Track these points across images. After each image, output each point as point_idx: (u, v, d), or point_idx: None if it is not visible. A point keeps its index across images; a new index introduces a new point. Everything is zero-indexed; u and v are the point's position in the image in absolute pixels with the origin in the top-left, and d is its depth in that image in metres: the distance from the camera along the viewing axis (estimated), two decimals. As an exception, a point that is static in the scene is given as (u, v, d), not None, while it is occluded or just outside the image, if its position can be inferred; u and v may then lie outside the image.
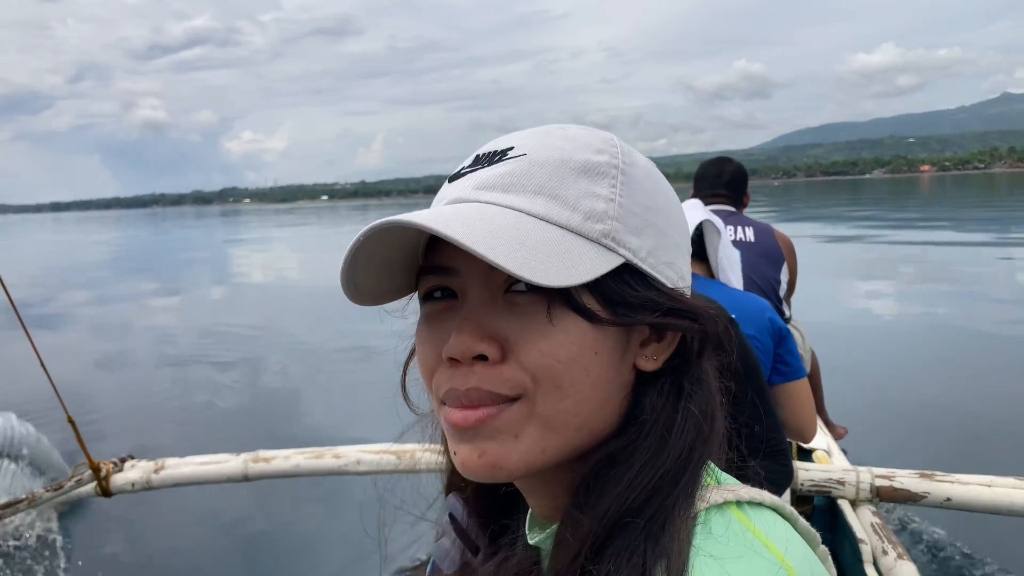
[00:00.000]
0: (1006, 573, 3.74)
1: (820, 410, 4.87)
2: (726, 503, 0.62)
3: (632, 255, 0.64)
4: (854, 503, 2.70)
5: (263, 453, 3.25)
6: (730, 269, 2.47)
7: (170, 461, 3.29)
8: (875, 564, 2.42)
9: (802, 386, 2.30)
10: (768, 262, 3.98)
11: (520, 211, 0.63)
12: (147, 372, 9.70)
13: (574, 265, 0.60)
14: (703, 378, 0.68)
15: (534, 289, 0.61)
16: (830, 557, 0.70)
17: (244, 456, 3.24)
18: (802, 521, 0.66)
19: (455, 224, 0.59)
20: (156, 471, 3.24)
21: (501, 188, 0.65)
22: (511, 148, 0.68)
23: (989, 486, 2.58)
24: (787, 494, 2.23)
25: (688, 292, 0.70)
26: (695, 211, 2.42)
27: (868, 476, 2.66)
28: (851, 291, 13.08)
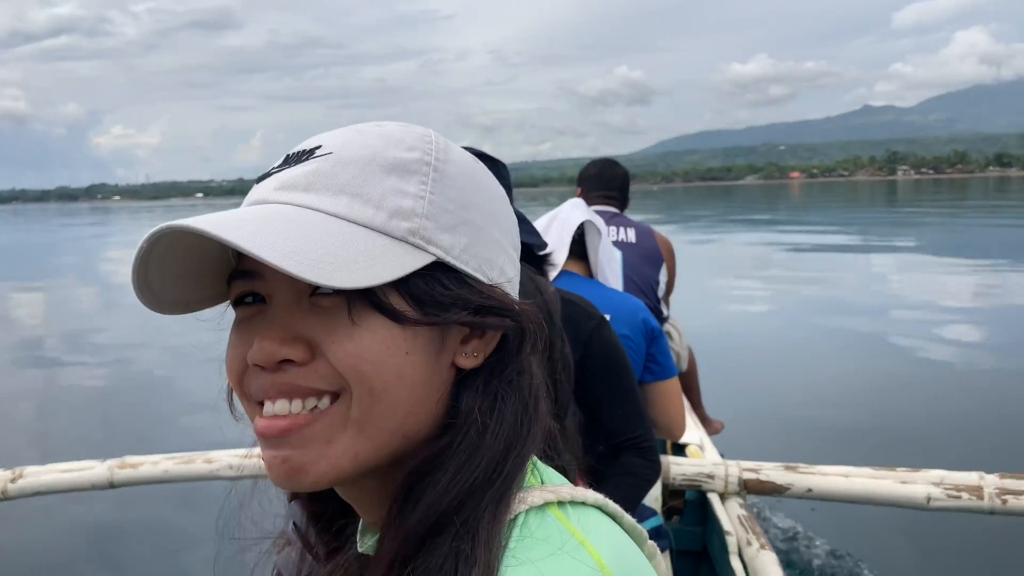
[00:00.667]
0: (861, 560, 3.94)
1: (697, 406, 5.02)
2: (547, 504, 0.62)
3: (444, 252, 0.63)
4: (723, 496, 2.79)
5: (130, 459, 3.12)
6: (609, 269, 2.51)
7: (29, 469, 3.11)
8: (740, 555, 2.50)
9: (672, 385, 2.36)
10: (648, 263, 4.08)
11: (320, 211, 0.62)
12: (2, 377, 9.12)
13: (373, 265, 0.59)
14: (523, 375, 0.67)
15: (339, 291, 0.60)
16: (659, 553, 0.70)
17: (110, 462, 3.10)
18: (628, 518, 0.67)
19: (238, 227, 0.57)
20: (13, 480, 3.06)
21: (303, 188, 0.63)
22: (319, 147, 0.66)
23: (847, 477, 2.72)
24: (658, 488, 2.28)
25: (512, 288, 0.70)
26: (577, 211, 2.44)
27: (736, 469, 2.76)
28: (727, 290, 13.59)
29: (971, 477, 2.80)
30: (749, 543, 2.50)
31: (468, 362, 0.66)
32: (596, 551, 0.58)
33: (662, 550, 2.20)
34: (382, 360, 0.61)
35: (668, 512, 3.00)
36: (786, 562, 3.79)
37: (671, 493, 2.92)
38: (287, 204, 0.63)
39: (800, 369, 7.85)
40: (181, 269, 0.66)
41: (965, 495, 2.73)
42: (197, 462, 3.08)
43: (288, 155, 0.68)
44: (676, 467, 2.76)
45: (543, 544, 0.58)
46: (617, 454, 1.87)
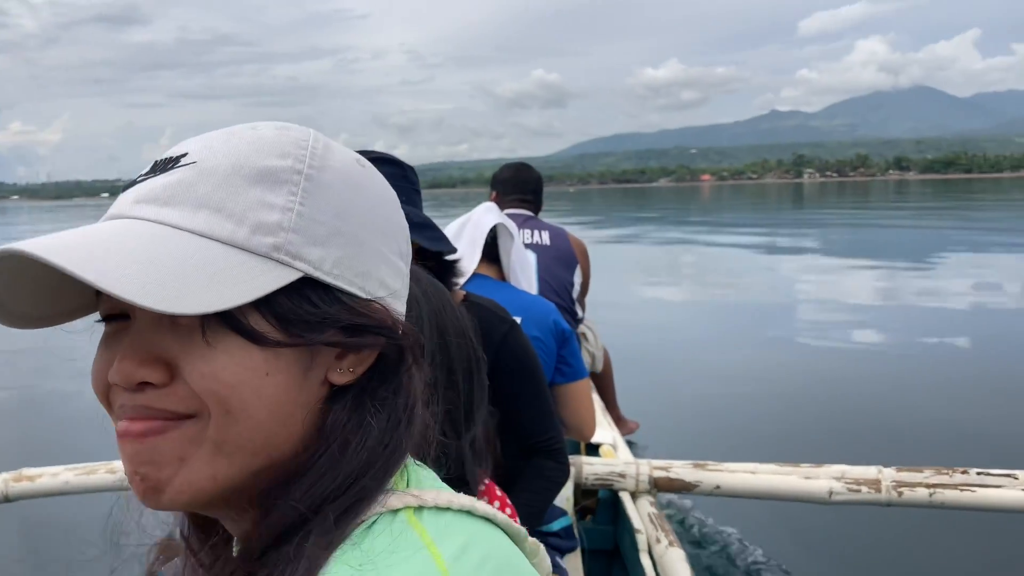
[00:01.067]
0: (767, 554, 4.05)
1: (612, 406, 5.10)
2: (405, 507, 0.61)
3: (312, 268, 0.61)
4: (635, 494, 2.84)
5: (27, 471, 3.00)
6: (521, 272, 2.53)
7: (-89, 485, 2.95)
8: (650, 552, 2.55)
9: (583, 386, 2.39)
10: (562, 265, 4.12)
11: (176, 227, 0.59)
12: None
13: (226, 286, 0.57)
14: (399, 391, 0.66)
15: None
16: (542, 550, 0.71)
17: (4, 475, 2.96)
18: (502, 518, 0.66)
19: (73, 249, 0.55)
20: None
21: (161, 201, 0.61)
22: (184, 154, 0.63)
23: (753, 473, 2.81)
24: (570, 488, 2.30)
25: (397, 300, 0.68)
26: (489, 215, 2.45)
27: (647, 468, 2.82)
28: (643, 291, 13.83)
29: (870, 471, 2.92)
30: (658, 540, 2.55)
31: (342, 378, 0.64)
32: (440, 555, 0.57)
33: (571, 550, 2.22)
34: (240, 382, 0.58)
35: (581, 511, 3.04)
36: (695, 558, 3.88)
37: (584, 493, 2.95)
38: (142, 220, 0.60)
39: (712, 369, 8.02)
40: (34, 286, 0.63)
41: (864, 489, 2.84)
42: (100, 472, 2.98)
43: (156, 162, 0.65)
44: (589, 467, 2.80)
45: (383, 544, 0.57)
46: (528, 456, 1.88)
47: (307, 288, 0.61)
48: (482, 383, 1.36)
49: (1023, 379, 7.18)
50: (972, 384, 7.07)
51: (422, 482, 0.67)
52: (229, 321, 0.58)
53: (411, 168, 1.87)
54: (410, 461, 0.68)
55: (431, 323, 1.27)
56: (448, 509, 0.63)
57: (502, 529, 0.66)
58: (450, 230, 2.35)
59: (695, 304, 12.67)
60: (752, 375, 7.65)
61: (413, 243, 1.73)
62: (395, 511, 0.61)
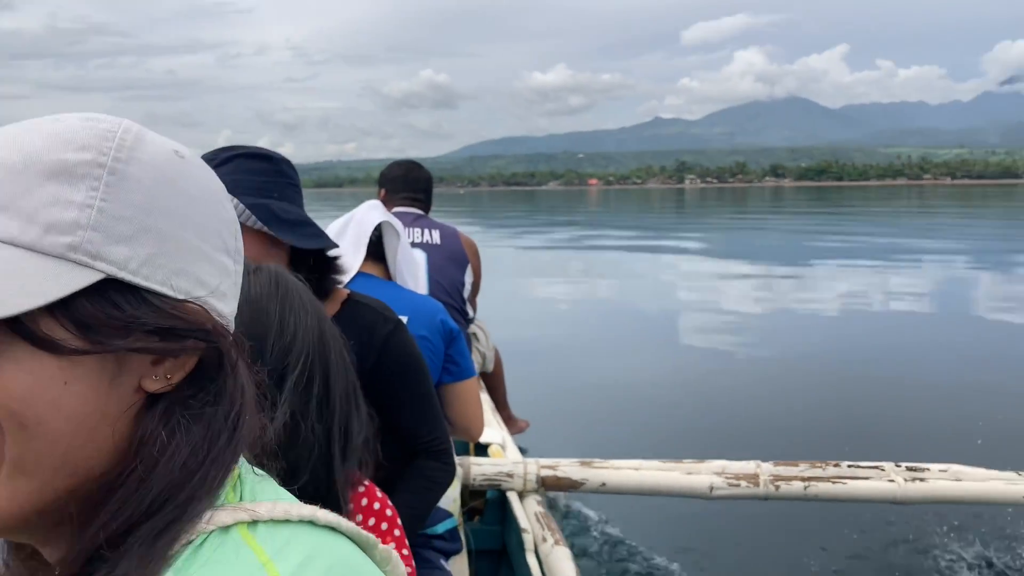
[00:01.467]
0: (651, 548, 4.14)
1: (502, 406, 5.10)
2: (237, 523, 0.57)
3: (116, 268, 0.56)
4: (522, 494, 2.84)
5: None
6: (407, 271, 2.48)
7: None
8: (536, 551, 2.56)
9: (471, 386, 2.36)
10: (453, 264, 4.10)
11: None
12: None
13: (11, 292, 0.52)
14: (222, 396, 0.62)
15: None
16: (395, 555, 0.68)
17: None
18: (348, 526, 0.63)
19: None
20: None
21: None
22: None
23: (637, 470, 2.85)
24: (457, 489, 2.28)
25: (220, 299, 0.63)
26: (374, 212, 2.39)
27: (535, 467, 2.82)
28: (535, 291, 13.95)
29: (749, 466, 3.01)
30: (544, 539, 2.56)
31: (156, 385, 0.59)
32: (278, 572, 0.53)
33: (456, 552, 2.20)
34: (33, 394, 0.53)
35: (469, 512, 3.01)
36: (582, 554, 3.92)
37: (472, 493, 2.93)
38: None
39: (601, 368, 8.15)
40: None
41: (744, 483, 2.93)
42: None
43: None
44: (476, 467, 2.78)
45: (214, 566, 0.54)
46: (412, 458, 1.84)
47: (111, 290, 0.56)
48: (352, 392, 1.32)
49: (887, 377, 7.60)
50: (842, 381, 7.44)
51: (258, 493, 0.62)
52: (18, 329, 0.53)
53: (286, 162, 1.80)
54: (246, 470, 0.64)
55: (307, 336, 1.24)
56: (287, 521, 0.59)
57: (349, 538, 0.63)
58: (332, 228, 2.28)
59: (585, 304, 12.87)
60: (640, 375, 7.82)
61: (284, 242, 1.68)
62: (226, 528, 0.56)
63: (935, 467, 3.30)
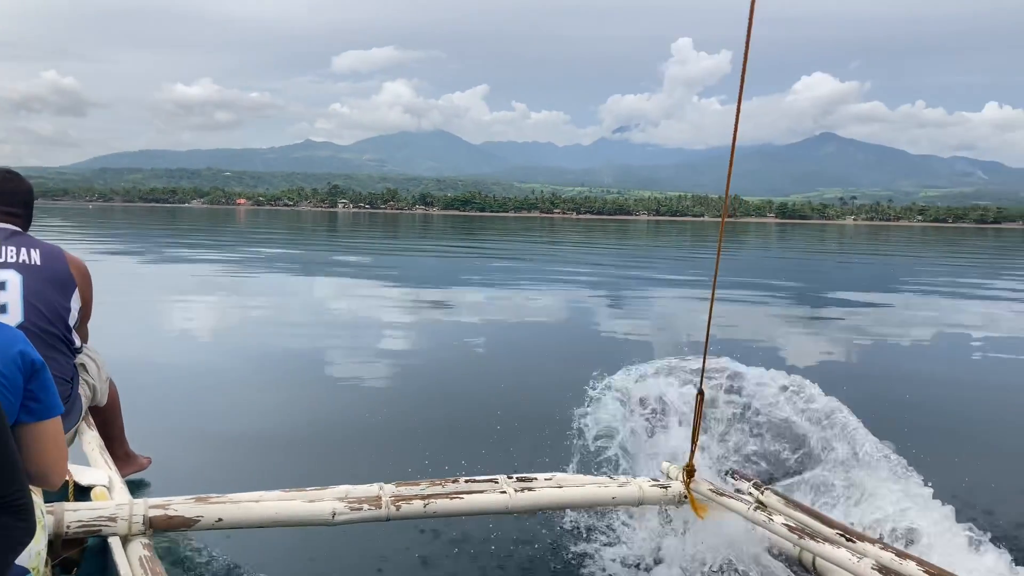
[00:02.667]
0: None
1: (119, 442, 4.72)
2: None
3: None
4: (127, 538, 2.62)
5: None
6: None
7: None
8: None
9: (53, 425, 2.12)
10: (54, 287, 3.72)
11: None
12: None
13: None
14: None
15: None
16: None
17: None
18: None
19: None
20: None
21: None
22: None
23: (258, 502, 2.77)
24: (42, 541, 2.04)
25: None
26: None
27: (142, 508, 2.63)
28: (162, 315, 13.02)
29: (372, 489, 3.07)
30: (149, 586, 2.38)
31: None
32: None
33: None
34: None
35: (64, 564, 2.71)
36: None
37: (66, 543, 2.64)
38: None
39: (229, 397, 7.82)
40: None
41: (366, 506, 2.98)
42: None
43: None
44: (71, 514, 2.51)
45: None
46: None
47: None
48: None
49: (501, 390, 8.18)
50: (466, 398, 7.88)
51: None
52: None
53: None
54: None
55: None
56: None
57: None
58: None
59: (216, 332, 12.27)
60: (273, 402, 7.62)
61: None
62: None
63: (541, 476, 3.63)
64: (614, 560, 4.03)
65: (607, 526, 4.33)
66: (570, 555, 4.16)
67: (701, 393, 3.80)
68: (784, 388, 5.13)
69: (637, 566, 3.96)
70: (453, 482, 3.31)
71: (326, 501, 2.91)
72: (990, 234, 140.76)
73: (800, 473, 4.77)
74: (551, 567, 4.23)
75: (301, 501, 2.87)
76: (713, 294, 3.77)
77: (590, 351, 11.03)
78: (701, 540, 3.88)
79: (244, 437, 6.37)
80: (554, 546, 4.37)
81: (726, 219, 3.76)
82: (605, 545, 4.25)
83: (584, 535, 4.38)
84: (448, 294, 18.06)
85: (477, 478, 3.38)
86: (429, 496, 3.17)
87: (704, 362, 3.82)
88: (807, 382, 5.09)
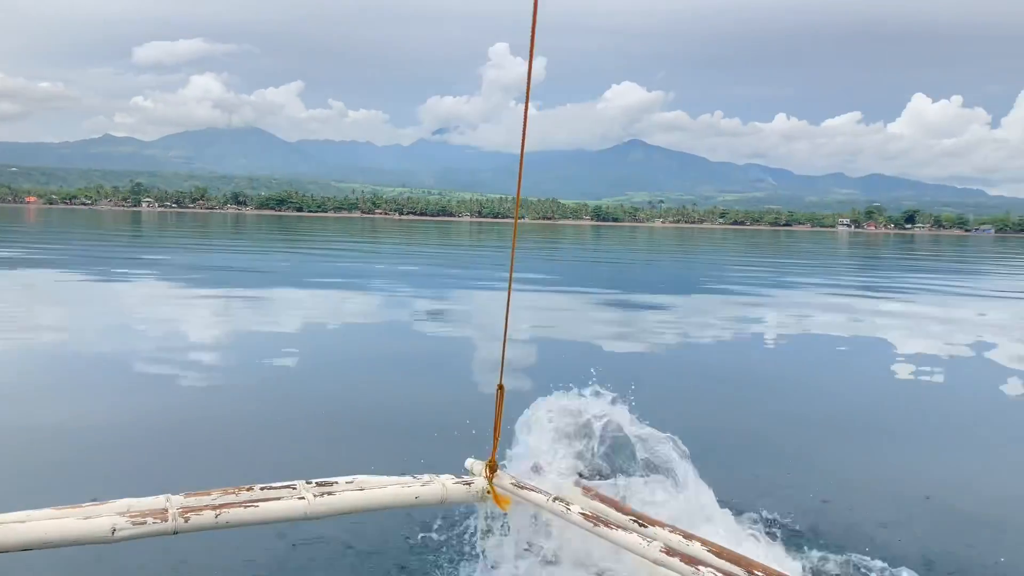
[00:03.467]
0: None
1: None
2: None
3: None
4: None
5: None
6: None
7: None
8: None
9: None
10: None
11: None
12: None
13: None
14: None
15: None
16: None
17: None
18: None
19: None
20: None
21: None
22: None
23: (24, 522, 2.56)
24: None
25: None
26: None
27: None
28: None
29: (159, 501, 2.91)
30: None
31: None
32: None
33: None
34: None
35: None
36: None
37: None
38: None
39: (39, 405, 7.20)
40: None
41: (151, 520, 2.81)
42: None
43: None
44: None
45: None
46: None
47: None
48: None
49: (301, 395, 8.00)
50: (258, 402, 7.63)
51: None
52: None
53: None
54: None
55: None
56: None
57: None
58: None
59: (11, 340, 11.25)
60: (34, 413, 7.05)
61: None
62: None
63: (343, 480, 3.57)
64: (427, 555, 4.02)
65: (421, 523, 4.31)
66: (380, 556, 4.12)
67: (500, 387, 3.88)
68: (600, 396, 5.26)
69: (451, 561, 3.97)
70: (248, 490, 3.20)
71: (105, 517, 2.73)
72: (783, 235, 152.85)
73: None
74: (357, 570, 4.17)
75: (75, 519, 2.67)
76: (509, 292, 3.87)
77: (394, 351, 11.01)
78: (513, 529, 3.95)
79: (4, 452, 5.86)
80: (358, 546, 4.30)
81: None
82: (414, 543, 4.25)
83: (395, 533, 4.33)
84: (239, 295, 17.45)
85: (274, 484, 3.28)
86: (221, 506, 3.05)
87: (503, 357, 3.91)
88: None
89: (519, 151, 3.72)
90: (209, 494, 3.08)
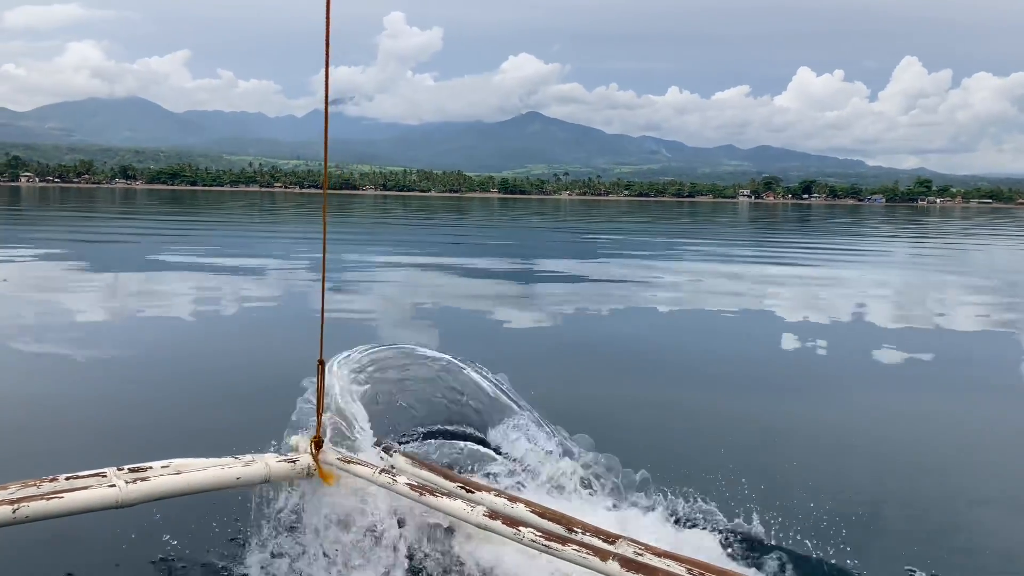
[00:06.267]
0: None
1: None
2: None
3: None
4: None
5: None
6: None
7: None
8: None
9: None
10: None
11: None
12: None
13: None
14: None
15: None
16: None
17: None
18: None
19: None
20: None
21: None
22: None
23: None
24: None
25: None
26: None
27: None
28: None
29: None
30: None
31: None
32: None
33: None
34: None
35: None
36: None
37: None
38: None
39: None
40: None
41: (-68, 517, 2.73)
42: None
43: None
44: None
45: None
46: None
47: None
48: None
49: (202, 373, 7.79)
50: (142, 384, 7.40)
51: None
52: None
53: None
54: None
55: None
56: None
57: None
58: None
59: None
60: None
61: None
62: None
63: (158, 464, 3.51)
64: (248, 538, 3.94)
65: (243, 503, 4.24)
66: (200, 540, 3.98)
67: (321, 362, 3.90)
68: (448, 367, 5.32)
69: (275, 537, 3.92)
70: (51, 481, 3.12)
71: None
72: (686, 206, 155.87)
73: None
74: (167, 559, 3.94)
75: None
76: (324, 266, 3.90)
77: (217, 332, 10.73)
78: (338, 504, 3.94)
79: None
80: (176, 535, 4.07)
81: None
82: (239, 523, 4.13)
83: (216, 517, 4.18)
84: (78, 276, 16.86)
85: (80, 474, 3.21)
86: (20, 500, 2.97)
87: (322, 333, 3.92)
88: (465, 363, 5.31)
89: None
90: (6, 488, 2.99)
